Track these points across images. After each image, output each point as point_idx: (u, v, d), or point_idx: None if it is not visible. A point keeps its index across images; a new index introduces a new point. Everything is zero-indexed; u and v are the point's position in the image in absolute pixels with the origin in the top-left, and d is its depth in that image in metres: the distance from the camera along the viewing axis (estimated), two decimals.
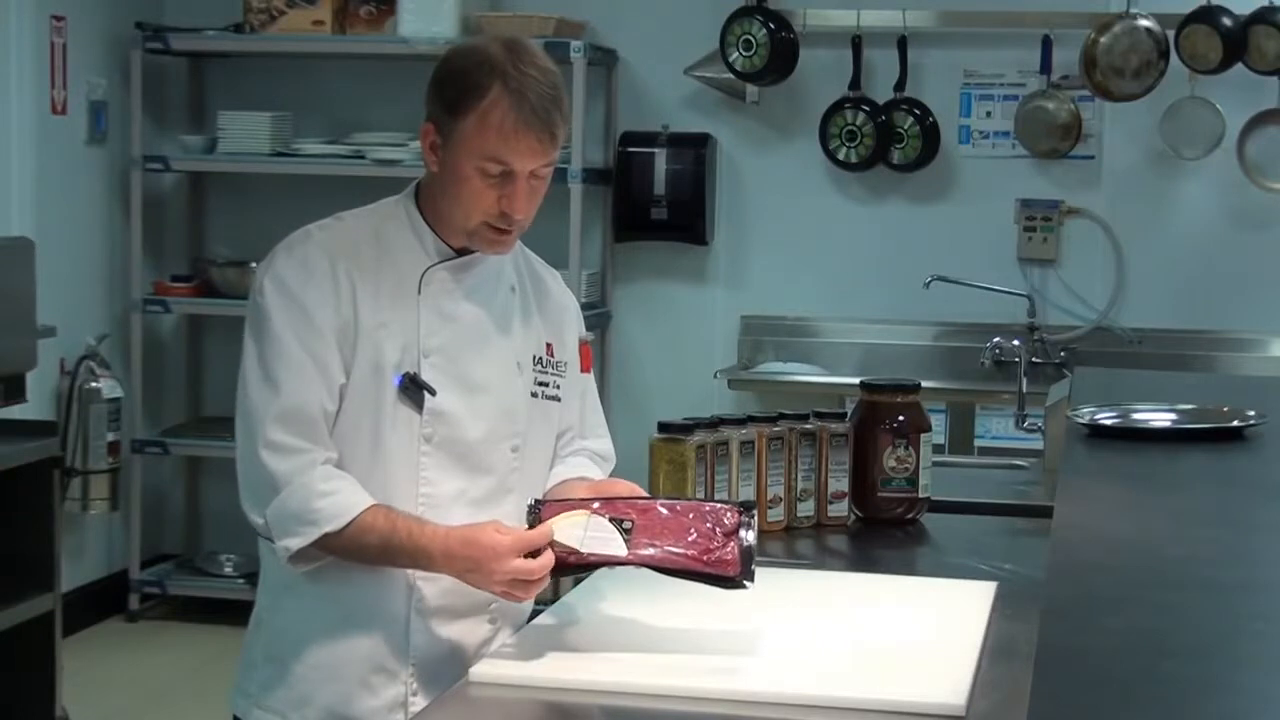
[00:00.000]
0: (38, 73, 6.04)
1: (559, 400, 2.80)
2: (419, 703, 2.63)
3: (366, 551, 2.57)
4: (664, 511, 2.51)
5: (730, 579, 2.49)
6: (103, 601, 6.42)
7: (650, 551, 2.48)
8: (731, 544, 2.48)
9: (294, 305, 2.60)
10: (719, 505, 2.54)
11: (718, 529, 2.49)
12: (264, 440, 2.56)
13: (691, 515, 2.51)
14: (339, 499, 2.55)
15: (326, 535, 2.54)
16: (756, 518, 2.53)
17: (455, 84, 2.60)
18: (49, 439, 4.96)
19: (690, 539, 2.49)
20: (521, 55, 2.59)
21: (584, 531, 2.50)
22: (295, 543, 2.55)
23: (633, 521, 2.50)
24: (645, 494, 2.67)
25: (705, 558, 2.48)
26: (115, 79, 6.46)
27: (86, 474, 6.08)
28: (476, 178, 2.59)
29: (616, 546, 2.48)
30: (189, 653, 6.13)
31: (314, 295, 2.60)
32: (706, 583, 2.50)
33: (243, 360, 2.64)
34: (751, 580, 2.49)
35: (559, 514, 2.53)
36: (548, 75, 2.59)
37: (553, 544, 2.50)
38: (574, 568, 2.53)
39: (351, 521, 2.54)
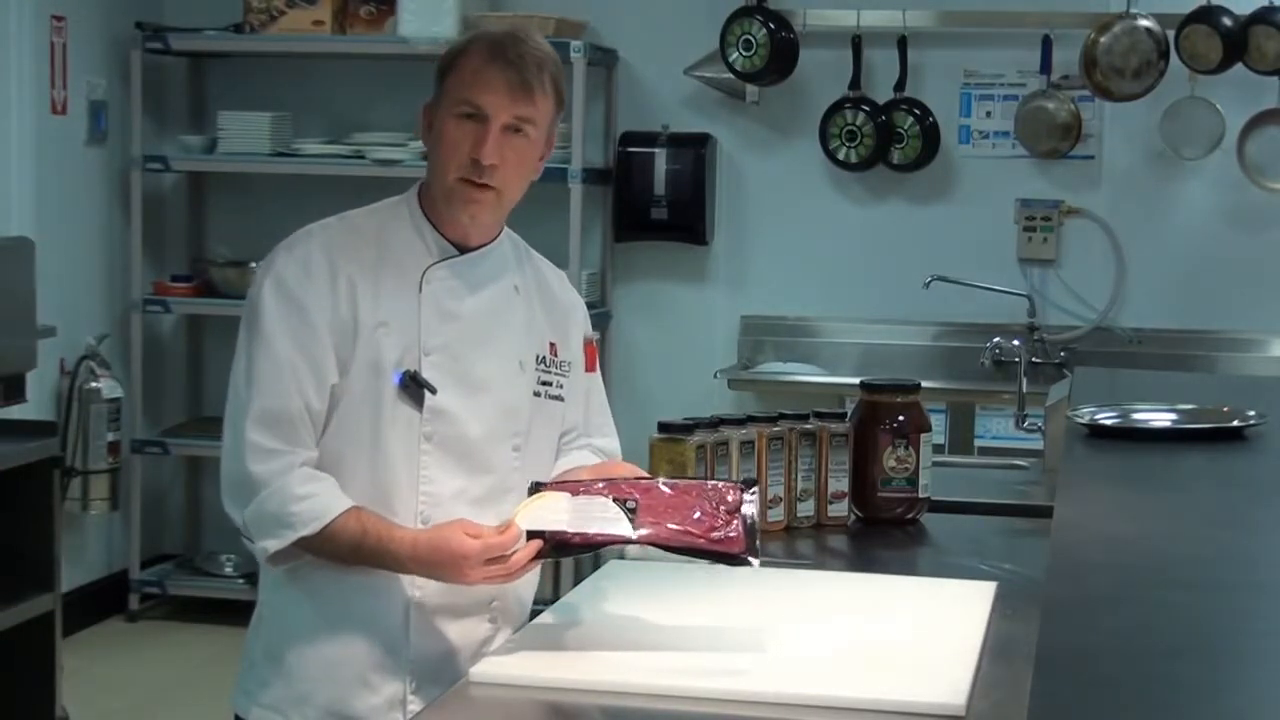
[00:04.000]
0: (38, 73, 6.04)
1: (562, 400, 2.79)
2: (418, 701, 2.63)
3: (341, 554, 2.59)
4: (667, 491, 2.52)
5: (736, 556, 2.49)
6: (103, 601, 6.42)
7: (656, 530, 2.48)
8: (735, 521, 2.49)
9: (291, 303, 2.61)
10: (720, 483, 2.56)
11: (721, 507, 2.50)
12: (245, 441, 2.58)
13: (694, 494, 2.52)
14: (315, 503, 2.56)
15: (302, 538, 2.55)
16: (758, 493, 2.54)
17: (446, 56, 2.67)
18: (49, 439, 4.96)
19: (695, 517, 2.49)
20: (515, 33, 2.64)
21: (566, 514, 2.49)
22: (272, 544, 2.57)
23: (636, 501, 2.50)
24: (647, 475, 2.67)
25: (711, 535, 2.48)
26: (115, 79, 6.46)
27: (86, 474, 6.08)
28: (452, 125, 2.62)
29: (623, 526, 2.48)
30: (189, 653, 6.13)
31: (312, 294, 2.61)
32: (713, 560, 2.50)
33: (235, 358, 2.65)
34: (757, 556, 2.50)
35: (531, 502, 2.52)
36: (537, 47, 2.64)
37: (542, 534, 2.49)
38: (579, 548, 2.52)
39: (326, 526, 2.55)
